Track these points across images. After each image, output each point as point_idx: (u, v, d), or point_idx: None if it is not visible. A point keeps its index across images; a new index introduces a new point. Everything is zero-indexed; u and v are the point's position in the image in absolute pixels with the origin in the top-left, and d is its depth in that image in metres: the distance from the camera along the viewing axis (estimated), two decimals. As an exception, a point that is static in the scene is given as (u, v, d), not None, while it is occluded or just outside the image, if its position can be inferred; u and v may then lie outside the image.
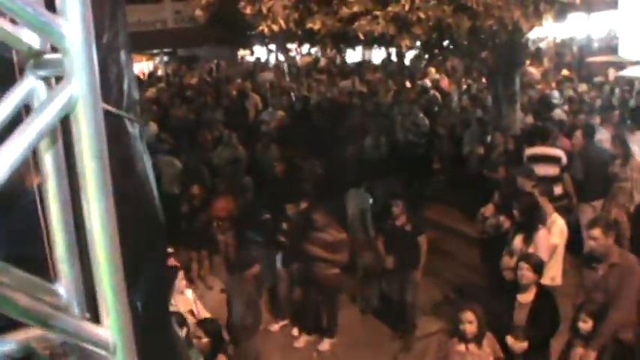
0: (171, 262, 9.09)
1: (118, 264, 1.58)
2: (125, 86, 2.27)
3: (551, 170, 11.26)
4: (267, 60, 31.54)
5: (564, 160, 11.40)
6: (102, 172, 1.51)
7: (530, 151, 11.77)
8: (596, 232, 7.05)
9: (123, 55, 2.28)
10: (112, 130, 1.65)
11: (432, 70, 22.80)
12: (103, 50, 1.81)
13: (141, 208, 2.32)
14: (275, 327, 10.86)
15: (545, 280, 8.11)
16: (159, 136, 15.79)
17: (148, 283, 2.35)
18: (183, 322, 6.55)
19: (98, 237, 1.53)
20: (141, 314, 2.05)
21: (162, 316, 2.74)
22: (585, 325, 6.76)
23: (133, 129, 2.42)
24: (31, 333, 1.56)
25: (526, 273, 7.14)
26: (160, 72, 32.03)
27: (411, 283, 9.80)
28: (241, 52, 32.73)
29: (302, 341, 10.44)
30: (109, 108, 1.85)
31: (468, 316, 6.46)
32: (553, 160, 11.38)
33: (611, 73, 19.28)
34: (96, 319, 1.61)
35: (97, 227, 1.53)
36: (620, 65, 18.54)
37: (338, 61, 28.25)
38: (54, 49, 1.55)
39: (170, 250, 9.23)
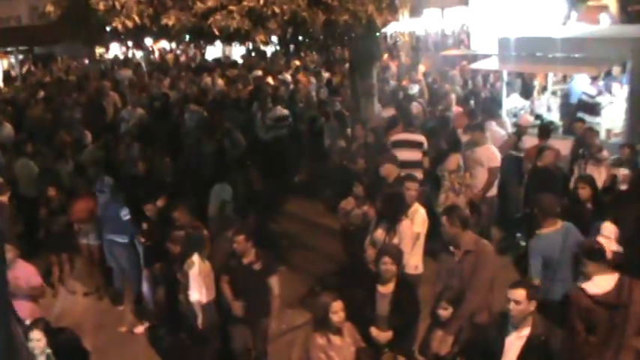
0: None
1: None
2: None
3: (414, 155, 11.58)
4: (126, 57, 30.92)
5: (425, 145, 11.73)
6: None
7: (394, 137, 12.09)
8: (444, 219, 7.34)
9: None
10: None
11: (297, 63, 22.97)
12: None
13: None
14: (140, 329, 10.70)
15: (409, 269, 8.31)
16: (14, 138, 15.26)
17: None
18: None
19: None
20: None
21: (4, 326, 2.63)
22: (445, 312, 6.97)
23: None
24: None
25: (389, 267, 7.26)
26: (14, 71, 30.84)
27: (261, 332, 8.63)
28: (99, 50, 31.97)
29: (169, 342, 10.30)
30: None
31: (338, 305, 6.50)
32: (416, 145, 11.69)
33: (464, 66, 19.98)
34: None
35: None
36: (472, 58, 19.25)
37: (197, 57, 28.03)
38: None
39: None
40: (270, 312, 8.56)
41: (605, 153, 11.13)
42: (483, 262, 7.26)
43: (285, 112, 15.31)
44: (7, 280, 2.37)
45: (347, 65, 14.44)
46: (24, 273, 8.73)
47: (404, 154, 11.46)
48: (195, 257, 8.73)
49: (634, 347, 6.30)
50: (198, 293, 8.65)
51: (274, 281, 8.45)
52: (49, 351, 6.25)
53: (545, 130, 12.41)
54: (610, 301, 6.40)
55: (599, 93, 15.11)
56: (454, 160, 11.04)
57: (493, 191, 11.43)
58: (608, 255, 6.86)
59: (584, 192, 9.14)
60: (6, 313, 2.41)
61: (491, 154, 11.25)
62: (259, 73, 21.99)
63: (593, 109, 14.73)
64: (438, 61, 21.94)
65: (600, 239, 7.58)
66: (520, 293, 6.07)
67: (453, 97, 16.41)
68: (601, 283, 6.49)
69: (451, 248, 7.44)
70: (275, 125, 14.94)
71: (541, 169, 10.71)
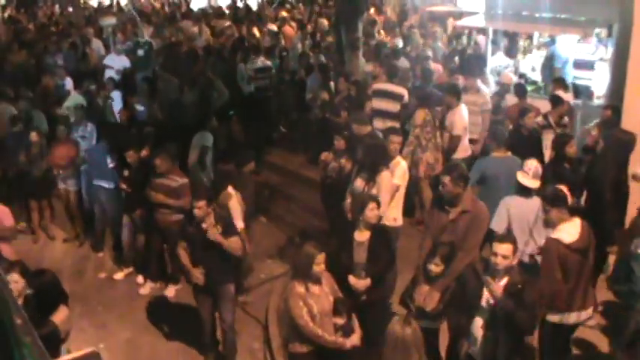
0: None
1: None
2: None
3: (393, 107, 11.60)
4: (110, 4, 30.55)
5: (406, 98, 11.72)
6: None
7: (375, 86, 12.11)
8: (446, 179, 7.27)
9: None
10: None
11: (284, 14, 22.76)
12: None
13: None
14: (119, 275, 10.80)
15: (388, 221, 8.39)
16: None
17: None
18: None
19: None
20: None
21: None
22: (437, 268, 7.00)
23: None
24: None
25: (377, 213, 7.39)
26: (-4, 15, 30.41)
27: (225, 299, 8.18)
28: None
29: (147, 288, 10.40)
30: None
31: (321, 257, 6.57)
32: (396, 96, 11.68)
33: (450, 23, 19.91)
34: None
35: None
36: (459, 15, 19.20)
37: (183, 6, 27.73)
38: None
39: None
40: (232, 279, 8.25)
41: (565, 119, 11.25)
42: (478, 224, 7.28)
43: (268, 63, 15.20)
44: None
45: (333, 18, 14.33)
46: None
47: (382, 104, 11.57)
48: (230, 189, 9.02)
49: None
50: (241, 221, 8.93)
51: (234, 243, 7.91)
52: (28, 292, 6.27)
53: (522, 89, 12.48)
54: (581, 247, 6.74)
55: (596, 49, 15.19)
56: (420, 114, 10.91)
57: (464, 154, 11.14)
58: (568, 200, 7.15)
59: (572, 150, 9.26)
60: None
61: (455, 120, 11.01)
62: (227, 23, 21.81)
63: (588, 64, 14.79)
64: (423, 16, 21.83)
65: (519, 174, 7.97)
66: (507, 247, 6.16)
67: (430, 53, 16.32)
68: (571, 231, 6.77)
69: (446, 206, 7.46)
70: (255, 77, 14.84)
71: (522, 130, 10.66)
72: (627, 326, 5.92)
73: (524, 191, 7.90)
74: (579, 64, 14.99)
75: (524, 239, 7.74)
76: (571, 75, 14.68)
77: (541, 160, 9.27)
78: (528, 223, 7.79)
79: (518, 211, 7.84)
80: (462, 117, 11.03)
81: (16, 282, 6.16)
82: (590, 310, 6.91)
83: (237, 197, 9.13)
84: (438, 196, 7.68)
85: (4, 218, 8.73)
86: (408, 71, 14.45)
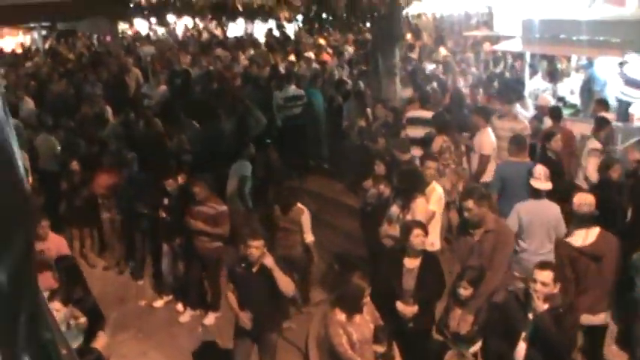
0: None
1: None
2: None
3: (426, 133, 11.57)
4: (148, 34, 30.95)
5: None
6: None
7: (409, 114, 12.13)
8: (469, 203, 7.29)
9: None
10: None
11: (321, 41, 22.87)
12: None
13: (3, 177, 2.25)
14: (159, 303, 10.82)
15: (427, 246, 8.36)
16: (35, 112, 15.37)
17: (15, 259, 2.30)
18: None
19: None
20: (7, 292, 1.99)
21: (31, 295, 2.65)
22: (466, 291, 6.98)
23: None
24: None
25: (422, 239, 7.39)
26: (37, 46, 30.96)
27: (269, 346, 7.94)
28: (121, 26, 31.99)
29: (187, 316, 10.41)
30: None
31: (362, 288, 6.56)
32: (428, 122, 11.65)
33: (486, 47, 19.85)
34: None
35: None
36: (495, 40, 19.13)
37: (220, 34, 27.97)
38: None
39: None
40: (280, 326, 8.15)
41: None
42: (503, 242, 7.31)
43: (300, 91, 15.23)
44: (35, 252, 2.35)
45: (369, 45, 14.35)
46: (55, 244, 8.92)
47: (417, 132, 11.52)
48: (300, 204, 9.32)
49: None
50: (311, 235, 9.28)
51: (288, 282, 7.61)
52: (73, 322, 6.32)
53: (556, 111, 12.31)
54: (593, 252, 7.10)
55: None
56: (437, 141, 10.90)
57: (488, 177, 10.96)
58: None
59: (616, 174, 9.19)
60: (35, 283, 2.42)
61: (483, 141, 10.96)
62: (252, 51, 21.98)
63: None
64: (460, 41, 21.82)
65: (532, 180, 8.34)
66: (547, 275, 6.11)
67: (464, 78, 16.28)
68: (585, 237, 7.21)
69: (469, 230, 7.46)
70: (285, 105, 14.88)
71: (548, 153, 10.56)
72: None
73: (536, 193, 8.28)
74: (630, 82, 14.74)
75: (539, 240, 8.01)
76: (617, 94, 14.45)
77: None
78: (541, 225, 8.02)
79: (530, 215, 8.09)
80: (490, 137, 10.96)
81: (57, 311, 6.20)
82: (602, 317, 7.17)
83: (308, 212, 9.45)
84: (463, 221, 7.73)
85: (61, 248, 8.91)
86: (440, 96, 14.42)
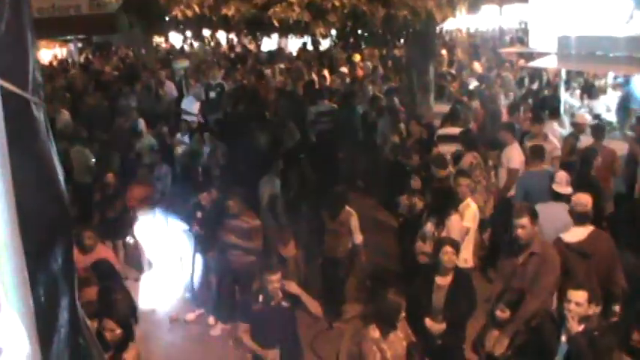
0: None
1: (19, 253, 1.51)
2: (30, 68, 2.18)
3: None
4: (182, 47, 31.19)
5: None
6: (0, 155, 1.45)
7: (440, 131, 12.15)
8: (525, 220, 7.14)
9: (27, 35, 2.19)
10: (15, 112, 1.58)
11: (357, 56, 22.87)
12: (5, 29, 1.73)
13: (44, 194, 2.25)
14: (191, 316, 10.79)
15: (459, 263, 8.28)
16: (71, 124, 15.50)
17: (53, 273, 2.29)
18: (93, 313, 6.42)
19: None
20: (45, 306, 1.98)
21: (70, 304, 2.65)
22: (503, 314, 6.89)
23: (38, 112, 2.32)
24: None
25: (452, 256, 7.34)
26: (73, 58, 31.33)
27: None
28: (156, 40, 32.27)
29: (218, 329, 10.38)
30: (14, 89, 1.78)
31: (400, 305, 6.51)
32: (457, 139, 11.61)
33: (521, 64, 19.76)
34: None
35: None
36: (529, 56, 19.02)
37: (254, 48, 28.10)
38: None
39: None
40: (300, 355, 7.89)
41: None
42: (548, 267, 7.16)
43: (333, 106, 15.22)
44: (74, 263, 2.36)
45: (404, 60, 14.36)
46: (104, 257, 8.95)
47: (447, 149, 11.52)
48: (349, 208, 9.70)
49: None
50: (360, 235, 9.63)
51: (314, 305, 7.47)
52: (108, 334, 6.32)
53: (599, 129, 12.09)
54: (581, 249, 7.47)
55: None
56: (468, 158, 10.86)
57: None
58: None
59: None
60: (73, 293, 2.42)
61: (512, 155, 10.91)
62: (282, 65, 22.02)
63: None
64: (494, 57, 21.73)
65: (554, 185, 8.78)
66: (582, 295, 6.00)
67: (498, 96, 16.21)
68: (576, 234, 7.61)
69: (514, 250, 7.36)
70: (317, 120, 14.87)
71: (588, 172, 10.44)
72: None
73: (557, 197, 8.70)
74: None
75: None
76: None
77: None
78: (551, 227, 8.10)
79: (542, 215, 7.90)
80: (519, 152, 10.91)
81: (112, 330, 6.22)
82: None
83: (356, 215, 9.83)
84: (509, 240, 7.58)
85: (114, 262, 9.03)
86: (473, 113, 14.35)
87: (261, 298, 7.41)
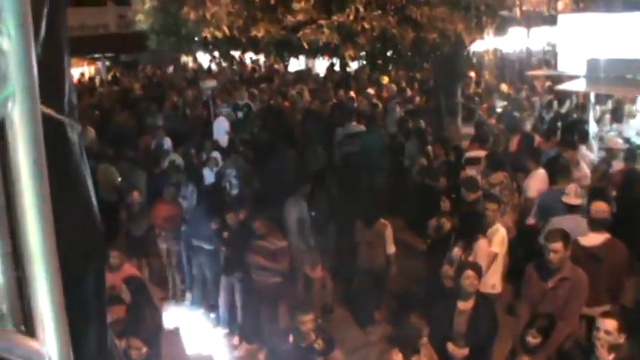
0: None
1: (56, 274, 1.50)
2: (66, 89, 2.17)
3: None
4: (209, 67, 31.36)
5: None
6: (40, 179, 1.44)
7: (468, 154, 12.07)
8: (558, 245, 7.08)
9: (64, 55, 2.18)
10: (50, 135, 1.56)
11: (385, 78, 22.86)
12: (43, 50, 1.72)
13: (81, 214, 2.23)
14: (215, 336, 10.77)
15: (486, 288, 8.22)
16: (96, 142, 15.59)
17: (85, 299, 2.26)
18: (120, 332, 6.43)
19: (35, 246, 1.45)
20: (78, 322, 1.95)
21: (100, 329, 2.64)
22: (534, 340, 6.81)
23: (72, 134, 2.30)
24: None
25: (473, 281, 7.27)
26: (101, 76, 31.63)
27: None
28: (183, 59, 32.54)
29: (242, 350, 10.36)
30: (49, 112, 1.76)
31: (420, 329, 6.47)
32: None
33: (548, 87, 19.67)
34: (31, 332, 1.53)
35: (34, 235, 1.45)
36: (557, 79, 18.92)
37: (281, 69, 28.22)
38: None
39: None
40: None
41: None
42: (578, 291, 7.10)
43: (361, 128, 15.22)
44: (105, 284, 2.35)
45: (431, 82, 14.36)
46: (134, 274, 8.97)
47: (474, 171, 11.45)
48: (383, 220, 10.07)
49: None
50: (393, 246, 10.17)
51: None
52: (135, 352, 6.33)
53: (633, 153, 12.01)
54: (596, 253, 7.70)
55: None
56: (498, 176, 10.80)
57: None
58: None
59: None
60: (104, 313, 2.39)
61: (530, 184, 10.83)
62: (309, 86, 22.04)
63: None
64: (522, 80, 21.66)
65: (564, 198, 9.06)
66: (612, 323, 5.91)
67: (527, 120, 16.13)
68: (593, 239, 7.97)
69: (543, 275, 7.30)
70: (347, 141, 14.86)
71: (628, 197, 10.33)
72: None
73: (571, 209, 8.95)
74: None
75: None
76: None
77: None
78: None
79: (556, 227, 8.26)
80: (538, 181, 10.78)
81: (138, 349, 6.22)
82: (597, 310, 7.15)
83: (391, 227, 10.11)
84: (538, 264, 7.50)
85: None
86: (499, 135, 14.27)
87: (291, 338, 7.28)
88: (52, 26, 1.98)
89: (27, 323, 1.62)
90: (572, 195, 8.98)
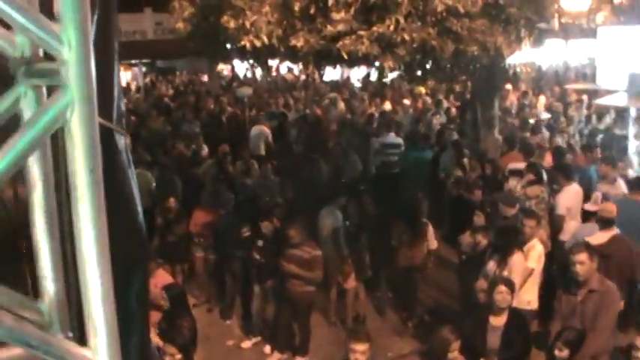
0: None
1: (109, 282, 1.50)
2: (115, 96, 2.18)
3: None
4: (245, 74, 31.49)
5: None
6: (97, 186, 1.44)
7: (510, 166, 11.97)
8: (583, 256, 7.03)
9: (114, 63, 2.19)
10: (102, 142, 1.57)
11: (421, 89, 22.78)
12: (96, 59, 1.73)
13: (127, 223, 2.24)
14: (247, 344, 10.79)
15: (522, 304, 8.13)
16: (132, 148, 15.67)
17: (131, 303, 2.28)
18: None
19: (89, 253, 1.45)
20: (123, 326, 1.96)
21: (143, 336, 2.66)
22: (561, 353, 6.74)
23: (120, 141, 2.32)
24: (13, 352, 1.48)
25: (505, 296, 7.19)
26: (137, 82, 31.90)
27: None
28: (220, 66, 32.70)
29: (274, 358, 10.36)
30: (101, 120, 1.77)
31: (457, 344, 6.41)
32: None
33: (586, 101, 19.48)
34: (82, 339, 1.54)
35: (89, 243, 1.45)
36: (594, 93, 18.74)
37: (317, 78, 28.28)
38: (47, 56, 1.47)
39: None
40: None
41: None
42: (608, 303, 7.02)
43: (398, 139, 15.19)
44: (149, 289, 2.36)
45: (468, 94, 14.30)
46: (163, 282, 8.99)
47: (514, 183, 11.39)
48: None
49: None
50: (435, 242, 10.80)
51: None
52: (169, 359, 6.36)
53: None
54: (601, 251, 7.79)
55: None
56: (535, 189, 10.69)
57: (567, 236, 10.33)
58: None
59: None
60: (146, 319, 2.41)
61: (560, 201, 10.60)
62: (332, 95, 22.02)
63: None
64: (560, 93, 21.48)
65: (586, 206, 9.86)
66: None
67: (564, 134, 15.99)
68: (600, 237, 8.45)
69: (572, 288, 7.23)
70: (382, 151, 14.82)
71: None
72: None
73: (588, 215, 9.71)
74: None
75: None
76: None
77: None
78: None
79: (576, 234, 9.26)
80: (567, 198, 10.59)
81: (172, 355, 6.25)
82: None
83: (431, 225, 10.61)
84: (567, 278, 7.44)
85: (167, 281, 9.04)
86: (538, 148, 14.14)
87: None
88: (102, 33, 1.99)
89: (75, 331, 1.63)
90: (592, 202, 9.70)
